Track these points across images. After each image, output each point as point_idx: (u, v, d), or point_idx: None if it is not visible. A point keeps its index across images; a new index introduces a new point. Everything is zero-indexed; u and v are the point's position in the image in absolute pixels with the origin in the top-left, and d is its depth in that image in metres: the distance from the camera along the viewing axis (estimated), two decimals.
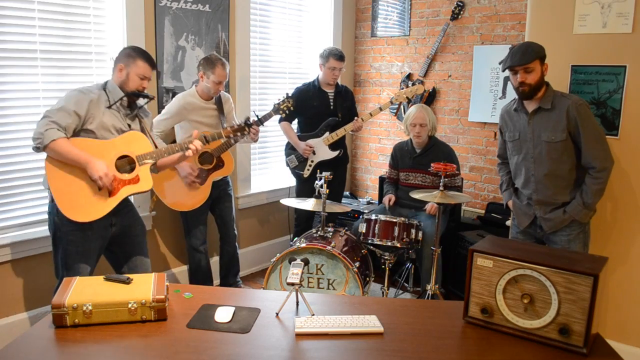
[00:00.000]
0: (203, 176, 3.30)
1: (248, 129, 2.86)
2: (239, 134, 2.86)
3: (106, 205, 2.48)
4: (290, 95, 3.45)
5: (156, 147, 2.66)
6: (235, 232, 3.68)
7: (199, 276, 3.54)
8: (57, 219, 2.46)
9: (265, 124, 3.35)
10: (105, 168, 2.40)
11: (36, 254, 2.98)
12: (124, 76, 2.54)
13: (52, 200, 2.47)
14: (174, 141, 3.39)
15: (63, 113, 2.36)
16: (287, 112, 3.43)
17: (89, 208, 2.43)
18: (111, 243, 2.65)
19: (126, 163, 2.54)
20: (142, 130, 2.67)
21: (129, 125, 2.61)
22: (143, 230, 2.78)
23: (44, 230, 2.88)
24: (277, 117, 3.68)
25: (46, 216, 2.57)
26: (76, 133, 2.43)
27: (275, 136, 4.45)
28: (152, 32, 3.38)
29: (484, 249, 1.77)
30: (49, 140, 2.29)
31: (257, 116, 3.36)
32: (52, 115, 2.34)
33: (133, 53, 2.56)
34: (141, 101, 2.66)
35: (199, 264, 3.52)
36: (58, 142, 2.31)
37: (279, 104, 3.41)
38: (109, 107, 2.51)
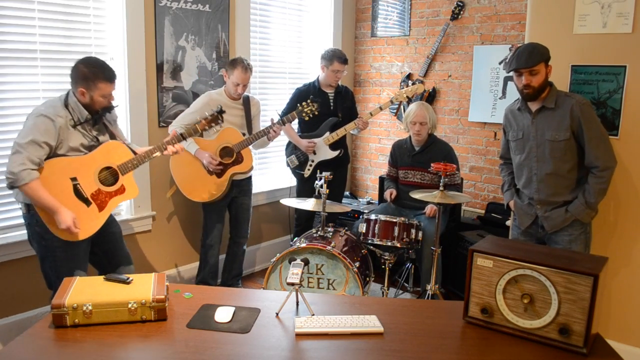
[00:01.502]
0: (222, 169, 3.35)
1: (220, 116, 2.88)
2: (213, 123, 2.87)
3: (98, 221, 2.51)
4: (315, 99, 3.49)
5: (131, 149, 2.62)
6: (248, 235, 3.69)
7: (206, 272, 3.57)
8: (38, 228, 2.42)
9: (285, 124, 3.47)
10: (71, 218, 2.36)
11: (36, 254, 2.97)
12: (88, 99, 2.43)
13: (28, 211, 2.42)
14: (201, 135, 3.44)
15: (34, 146, 2.29)
16: (310, 116, 3.47)
17: (82, 227, 2.43)
18: (92, 244, 2.64)
19: (109, 174, 2.54)
20: (111, 137, 2.61)
21: (97, 139, 2.54)
22: (119, 229, 2.79)
23: None
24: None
25: None
26: (48, 157, 2.37)
27: None
28: (152, 32, 3.38)
29: (484, 249, 1.77)
30: (22, 182, 2.26)
31: (280, 116, 3.40)
32: (24, 150, 2.28)
33: (90, 75, 2.40)
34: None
35: (209, 261, 3.55)
36: (30, 185, 2.27)
37: (303, 106, 3.45)
38: (74, 126, 2.43)
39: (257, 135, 3.37)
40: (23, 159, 2.27)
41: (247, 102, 3.46)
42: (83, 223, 2.44)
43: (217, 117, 2.88)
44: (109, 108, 2.53)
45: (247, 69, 3.30)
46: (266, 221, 4.45)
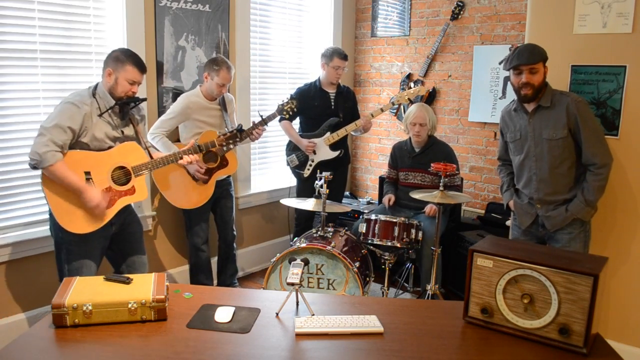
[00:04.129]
0: (207, 175, 3.34)
1: (240, 135, 2.90)
2: (231, 141, 2.89)
3: (104, 217, 2.51)
4: (293, 96, 3.49)
5: (149, 152, 2.66)
6: (235, 233, 3.69)
7: (199, 275, 3.55)
8: (57, 221, 2.46)
9: (267, 123, 3.41)
10: (99, 197, 2.43)
11: (36, 254, 2.97)
12: (113, 81, 2.49)
13: None
14: (178, 140, 3.43)
15: (59, 130, 2.34)
16: (290, 113, 3.47)
17: (87, 220, 2.46)
18: (110, 242, 2.67)
19: (122, 174, 2.56)
20: (136, 134, 2.67)
21: (122, 132, 2.59)
22: (140, 229, 2.82)
23: (44, 230, 2.88)
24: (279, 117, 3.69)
25: (46, 216, 2.58)
26: (71, 146, 2.42)
27: (275, 136, 4.45)
28: (152, 32, 3.38)
29: (484, 249, 1.77)
30: (47, 164, 2.30)
31: (262, 116, 3.41)
32: (48, 133, 2.32)
33: (122, 56, 2.49)
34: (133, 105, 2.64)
35: (200, 263, 3.53)
36: (56, 167, 2.32)
37: (282, 105, 3.46)
38: (100, 115, 2.48)
39: (241, 137, 3.35)
40: (47, 141, 2.31)
41: (223, 102, 3.44)
42: (89, 216, 2.46)
43: (236, 134, 2.89)
44: (135, 100, 2.57)
45: (231, 68, 3.28)
46: (266, 221, 4.45)
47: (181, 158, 2.72)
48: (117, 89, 2.50)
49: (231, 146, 2.94)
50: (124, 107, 2.56)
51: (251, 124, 3.39)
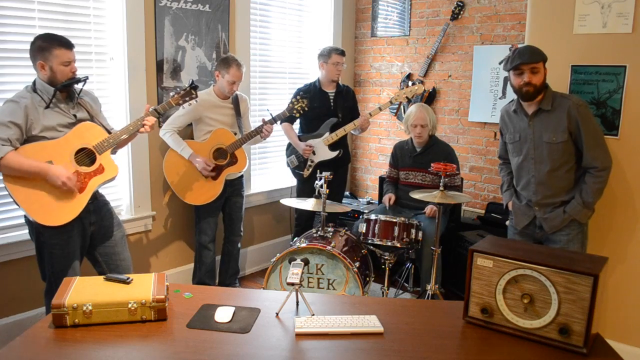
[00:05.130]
0: (217, 171, 3.37)
1: (193, 91, 2.83)
2: (187, 98, 2.82)
3: (79, 203, 2.46)
4: (304, 95, 3.51)
5: (108, 131, 2.60)
6: (242, 232, 3.71)
7: (203, 273, 3.57)
8: (37, 224, 2.41)
9: (277, 121, 3.48)
10: (65, 171, 2.37)
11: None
12: (49, 71, 2.39)
13: None
14: (192, 137, 3.46)
15: (1, 128, 2.28)
16: (301, 112, 3.50)
17: (62, 210, 2.41)
18: (92, 245, 2.64)
19: (85, 156, 2.50)
20: (90, 116, 2.58)
21: (75, 116, 2.51)
22: (122, 232, 2.76)
23: None
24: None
25: None
26: (23, 143, 2.35)
27: (275, 136, 4.43)
28: (152, 32, 3.38)
29: (484, 249, 1.77)
30: None
31: (271, 115, 3.42)
32: None
33: (44, 44, 2.38)
34: (78, 86, 2.55)
35: (205, 261, 3.55)
36: (7, 158, 2.25)
37: (293, 103, 3.46)
38: (47, 107, 2.40)
39: (250, 134, 3.39)
40: None
41: (235, 100, 3.48)
42: (63, 206, 2.41)
43: (189, 91, 2.82)
44: (77, 80, 2.48)
45: (241, 65, 3.32)
46: (266, 221, 4.45)
47: (142, 126, 2.62)
48: (56, 76, 2.41)
49: (186, 105, 2.85)
50: (69, 91, 2.49)
51: (261, 122, 3.41)
